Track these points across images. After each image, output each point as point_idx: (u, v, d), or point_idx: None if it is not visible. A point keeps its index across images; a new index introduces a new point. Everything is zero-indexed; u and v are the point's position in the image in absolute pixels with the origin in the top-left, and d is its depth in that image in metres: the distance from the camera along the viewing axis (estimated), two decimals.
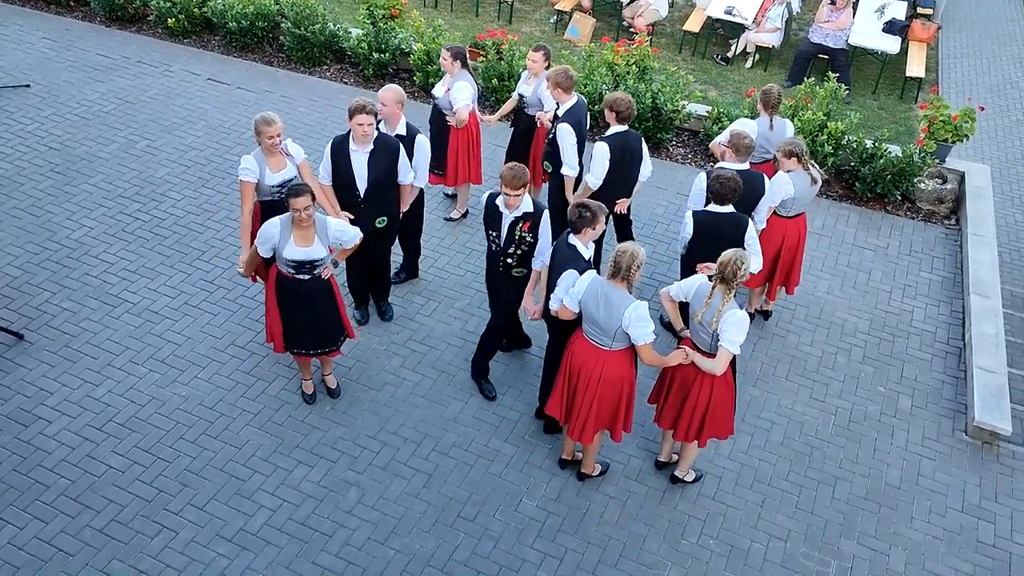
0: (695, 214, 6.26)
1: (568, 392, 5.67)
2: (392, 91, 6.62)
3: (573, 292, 5.44)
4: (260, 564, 5.52)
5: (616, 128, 6.82)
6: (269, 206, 6.29)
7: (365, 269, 7.01)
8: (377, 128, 6.38)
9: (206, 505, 5.82)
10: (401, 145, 6.49)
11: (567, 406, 5.72)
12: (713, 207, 6.18)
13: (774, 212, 6.79)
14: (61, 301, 7.21)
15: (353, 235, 5.96)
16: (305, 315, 5.97)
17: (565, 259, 5.61)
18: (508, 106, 8.26)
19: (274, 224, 5.71)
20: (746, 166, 6.55)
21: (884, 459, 6.51)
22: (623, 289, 5.26)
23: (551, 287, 5.72)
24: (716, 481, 6.25)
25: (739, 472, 6.33)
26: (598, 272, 5.62)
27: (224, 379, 6.68)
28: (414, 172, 6.67)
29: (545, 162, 7.35)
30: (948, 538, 6.01)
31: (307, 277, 5.83)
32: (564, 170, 7.05)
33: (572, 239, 5.64)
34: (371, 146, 6.30)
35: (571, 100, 7.01)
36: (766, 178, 6.64)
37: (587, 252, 5.64)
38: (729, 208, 6.14)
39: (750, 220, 6.26)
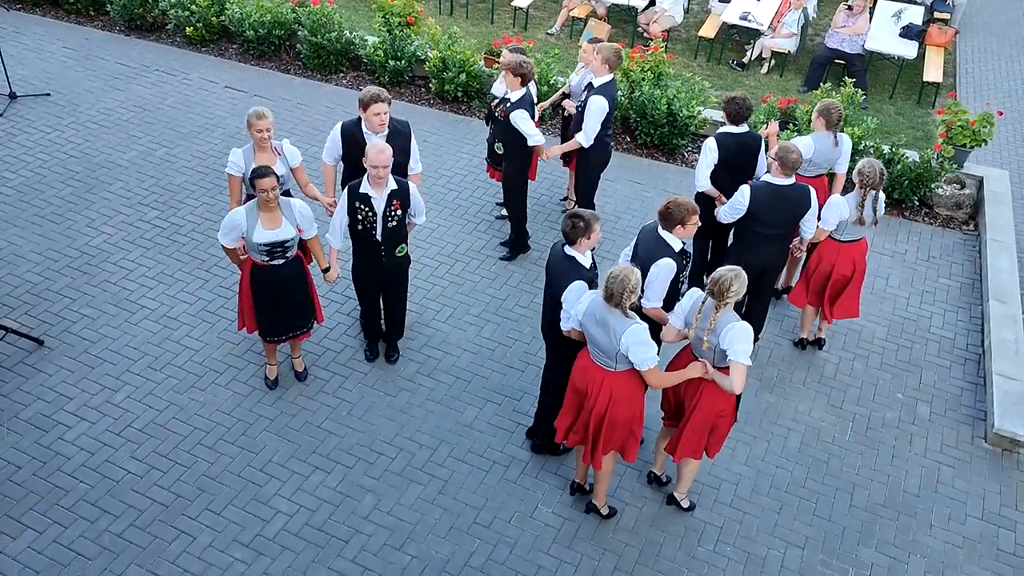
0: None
1: (576, 411, 5.50)
2: (383, 151, 6.00)
3: (576, 312, 5.24)
4: (277, 569, 5.54)
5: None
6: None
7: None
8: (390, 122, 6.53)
9: (223, 510, 5.85)
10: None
11: (578, 426, 5.51)
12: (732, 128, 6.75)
13: (829, 236, 6.65)
14: (80, 307, 7.27)
15: (312, 217, 6.06)
16: (280, 302, 6.11)
17: (566, 273, 5.39)
18: (556, 98, 8.27)
19: (239, 212, 5.82)
20: (792, 180, 6.31)
21: (903, 466, 6.47)
22: (618, 313, 5.00)
23: (549, 300, 5.62)
24: (733, 488, 6.22)
25: (756, 479, 6.30)
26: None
27: (241, 385, 6.72)
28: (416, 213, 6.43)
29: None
30: (968, 546, 5.95)
31: (281, 262, 5.96)
32: (579, 137, 7.35)
33: (569, 251, 5.42)
34: (386, 130, 6.47)
35: (607, 76, 7.24)
36: (812, 191, 6.39)
37: (587, 260, 5.44)
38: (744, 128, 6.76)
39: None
